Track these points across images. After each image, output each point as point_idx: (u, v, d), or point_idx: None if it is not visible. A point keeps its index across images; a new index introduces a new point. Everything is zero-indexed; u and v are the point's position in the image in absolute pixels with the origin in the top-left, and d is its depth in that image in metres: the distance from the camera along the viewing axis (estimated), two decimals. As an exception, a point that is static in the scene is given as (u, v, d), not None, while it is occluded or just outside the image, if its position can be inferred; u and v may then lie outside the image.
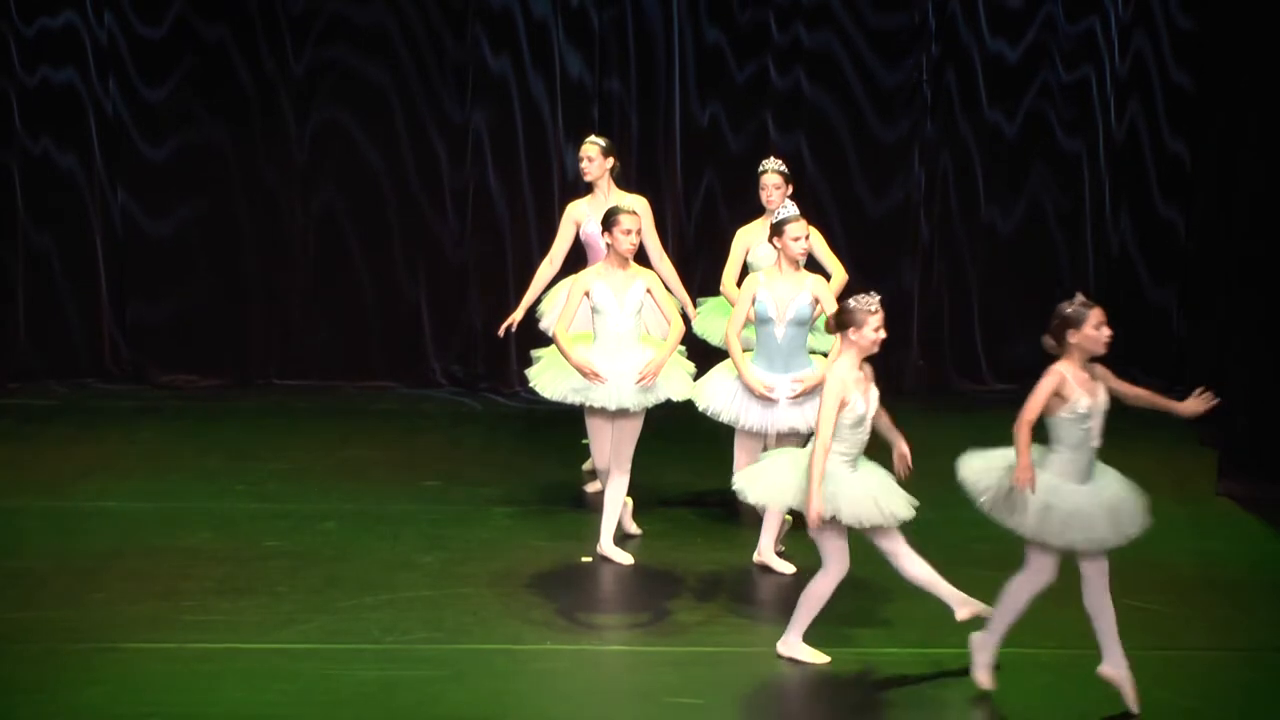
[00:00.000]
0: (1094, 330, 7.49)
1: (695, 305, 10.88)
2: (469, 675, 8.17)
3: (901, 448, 8.37)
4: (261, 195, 13.91)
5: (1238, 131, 12.48)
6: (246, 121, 13.87)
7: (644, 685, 8.25)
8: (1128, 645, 8.14)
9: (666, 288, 10.48)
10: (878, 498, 8.13)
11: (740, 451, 9.73)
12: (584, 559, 9.82)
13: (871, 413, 8.12)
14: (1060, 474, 7.61)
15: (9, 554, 9.73)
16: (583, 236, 10.69)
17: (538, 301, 10.89)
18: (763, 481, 8.29)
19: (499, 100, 13.97)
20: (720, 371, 9.76)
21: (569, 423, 11.30)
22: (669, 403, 9.64)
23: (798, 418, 9.49)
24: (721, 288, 10.61)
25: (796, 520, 9.54)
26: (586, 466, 11.29)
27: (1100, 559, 7.69)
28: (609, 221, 9.50)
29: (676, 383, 9.61)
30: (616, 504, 9.78)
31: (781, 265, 9.59)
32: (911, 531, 10.44)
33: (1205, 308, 13.48)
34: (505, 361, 13.83)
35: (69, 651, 8.29)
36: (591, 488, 10.99)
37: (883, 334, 8.04)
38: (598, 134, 11.25)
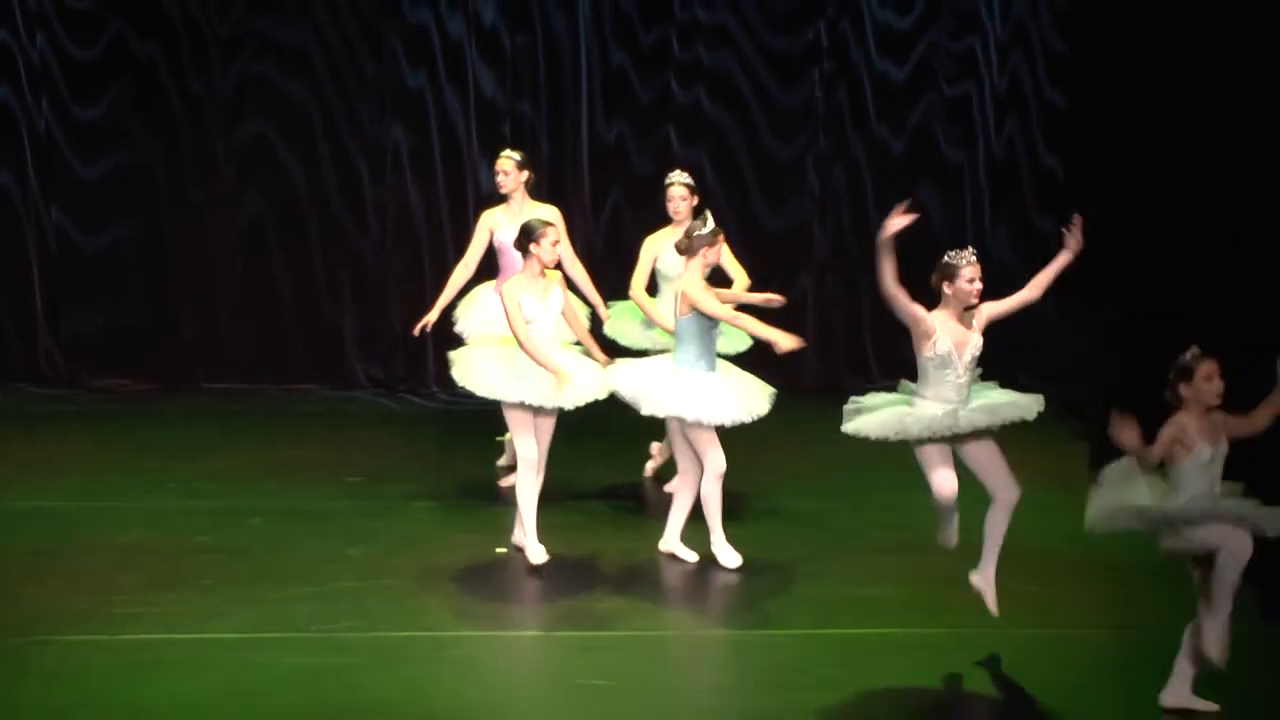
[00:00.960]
0: (1205, 383, 7.28)
1: (606, 308, 10.80)
2: (392, 662, 8.09)
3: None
4: (190, 210, 13.78)
5: (1108, 147, 12.60)
6: (175, 139, 13.73)
7: (556, 669, 8.23)
8: (1014, 625, 8.18)
9: (579, 292, 10.44)
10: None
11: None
12: (499, 550, 9.78)
13: (963, 361, 8.09)
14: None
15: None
16: (496, 244, 10.58)
17: (453, 304, 10.78)
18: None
19: (416, 117, 13.89)
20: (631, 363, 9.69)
21: (484, 421, 11.18)
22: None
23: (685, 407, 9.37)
24: (630, 293, 10.53)
25: (695, 510, 9.48)
26: (501, 462, 11.21)
27: None
28: (533, 236, 9.31)
29: (598, 380, 9.47)
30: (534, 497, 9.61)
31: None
32: (813, 519, 10.51)
33: (1080, 312, 13.53)
34: (423, 365, 13.77)
35: (6, 646, 8.15)
36: (506, 482, 10.89)
37: (978, 284, 8.11)
38: (512, 148, 11.15)
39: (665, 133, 14.06)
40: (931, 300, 8.18)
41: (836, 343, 14.41)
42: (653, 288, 10.61)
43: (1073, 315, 13.16)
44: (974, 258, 8.12)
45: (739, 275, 10.41)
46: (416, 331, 10.74)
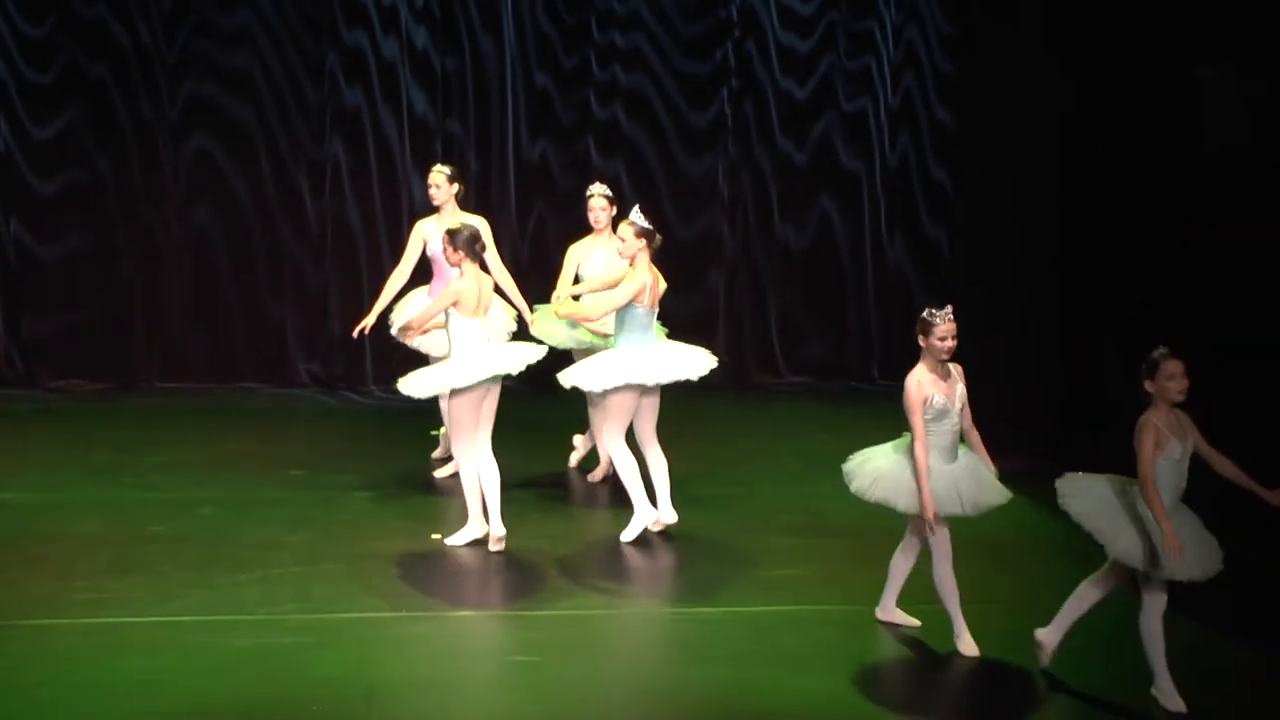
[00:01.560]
0: (1167, 381, 7.32)
1: (531, 311, 10.91)
2: (335, 642, 8.14)
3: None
4: (140, 223, 13.69)
5: (992, 160, 12.76)
6: (126, 156, 13.63)
7: (487, 646, 8.31)
8: (907, 601, 8.33)
9: (506, 297, 10.58)
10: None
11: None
12: (434, 536, 9.78)
13: (956, 408, 8.00)
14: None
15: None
16: (429, 252, 10.68)
17: (389, 308, 10.88)
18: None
19: (354, 134, 13.87)
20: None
21: (418, 415, 11.27)
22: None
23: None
24: (554, 296, 10.62)
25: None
26: (436, 454, 11.28)
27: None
28: (472, 244, 9.45)
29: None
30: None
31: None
32: (724, 505, 10.60)
33: (967, 310, 13.67)
34: (361, 364, 13.78)
35: (51, 630, 8.20)
36: (440, 473, 10.97)
37: (949, 342, 7.92)
38: (443, 162, 11.26)
39: (585, 148, 14.12)
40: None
41: (746, 341, 14.54)
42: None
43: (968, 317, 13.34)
44: (949, 317, 7.97)
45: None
46: (355, 334, 10.83)
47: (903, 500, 7.94)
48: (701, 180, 14.40)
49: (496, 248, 10.74)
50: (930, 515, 7.82)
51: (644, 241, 9.57)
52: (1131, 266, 10.90)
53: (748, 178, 14.43)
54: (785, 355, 14.54)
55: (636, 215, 9.61)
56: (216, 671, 7.75)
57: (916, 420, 7.84)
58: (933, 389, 7.88)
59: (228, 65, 13.68)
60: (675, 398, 10.81)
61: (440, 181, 10.71)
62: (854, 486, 8.11)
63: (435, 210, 10.79)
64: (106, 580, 8.94)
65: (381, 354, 11.54)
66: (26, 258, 13.63)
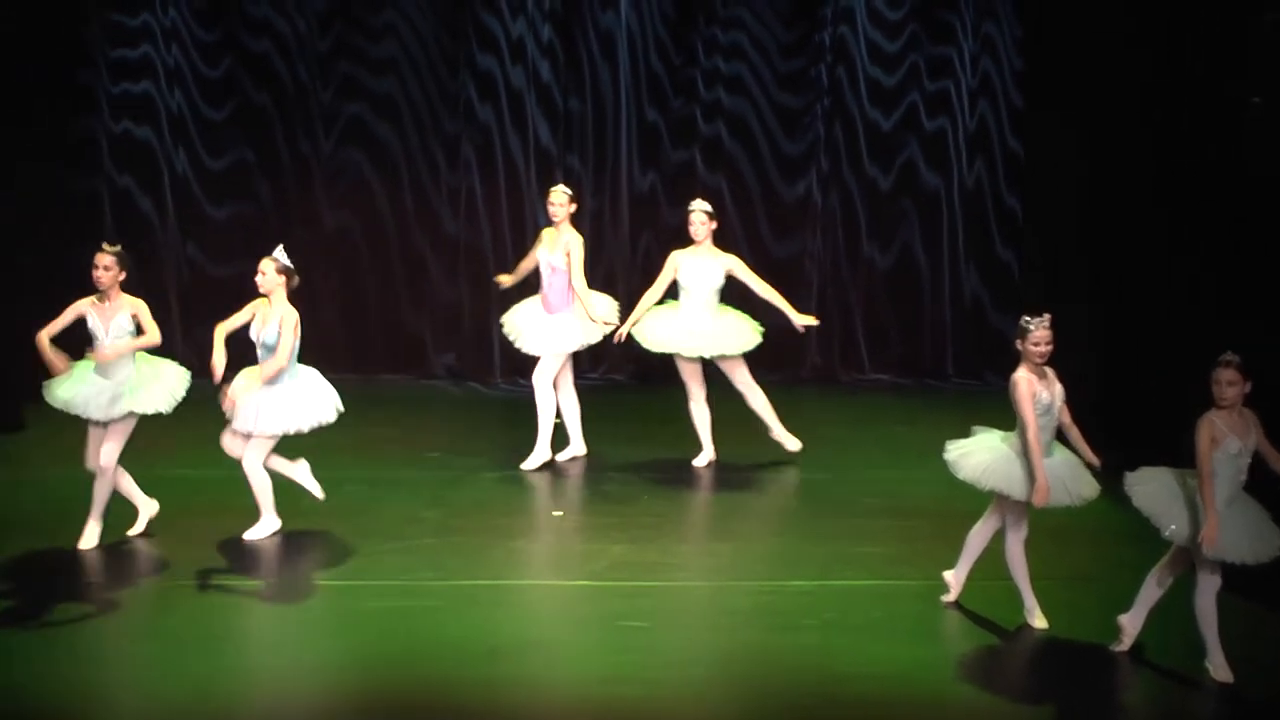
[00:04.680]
0: (1223, 387, 7.17)
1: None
2: (464, 606, 8.11)
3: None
4: (298, 245, 13.51)
5: (1059, 190, 12.62)
6: (284, 186, 13.61)
7: (600, 613, 8.16)
8: (981, 577, 8.13)
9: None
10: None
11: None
12: (555, 513, 9.72)
13: (1057, 405, 7.77)
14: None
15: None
16: (547, 263, 10.72)
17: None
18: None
19: (485, 160, 13.75)
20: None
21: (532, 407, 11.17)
22: None
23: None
24: (646, 295, 10.70)
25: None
26: (561, 455, 11.11)
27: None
28: None
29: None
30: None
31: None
32: (811, 489, 10.47)
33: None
34: (490, 359, 13.70)
35: (146, 588, 8.31)
36: (561, 456, 10.86)
37: (1043, 347, 7.67)
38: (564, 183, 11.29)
39: (690, 180, 13.73)
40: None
41: (835, 344, 14.31)
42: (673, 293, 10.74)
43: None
44: (1045, 324, 7.69)
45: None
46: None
47: (1018, 489, 7.69)
48: (795, 202, 14.19)
49: (589, 269, 10.81)
50: (1043, 500, 7.58)
51: (283, 278, 8.99)
52: (1183, 283, 10.67)
53: (837, 201, 14.21)
54: (870, 355, 14.34)
55: (280, 253, 9.03)
56: (359, 630, 7.74)
57: (1027, 411, 7.60)
58: (1038, 386, 7.67)
59: (374, 90, 13.63)
60: (769, 394, 10.76)
61: (563, 200, 10.67)
62: (962, 475, 7.87)
63: (551, 225, 10.78)
64: (268, 548, 8.96)
65: (507, 350, 11.47)
66: (200, 276, 13.65)
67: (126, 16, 13.33)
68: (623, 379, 13.85)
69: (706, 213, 10.63)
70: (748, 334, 10.62)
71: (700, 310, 10.53)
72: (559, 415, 10.84)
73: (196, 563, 8.66)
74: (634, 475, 10.66)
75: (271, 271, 8.90)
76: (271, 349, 8.87)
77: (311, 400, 9.01)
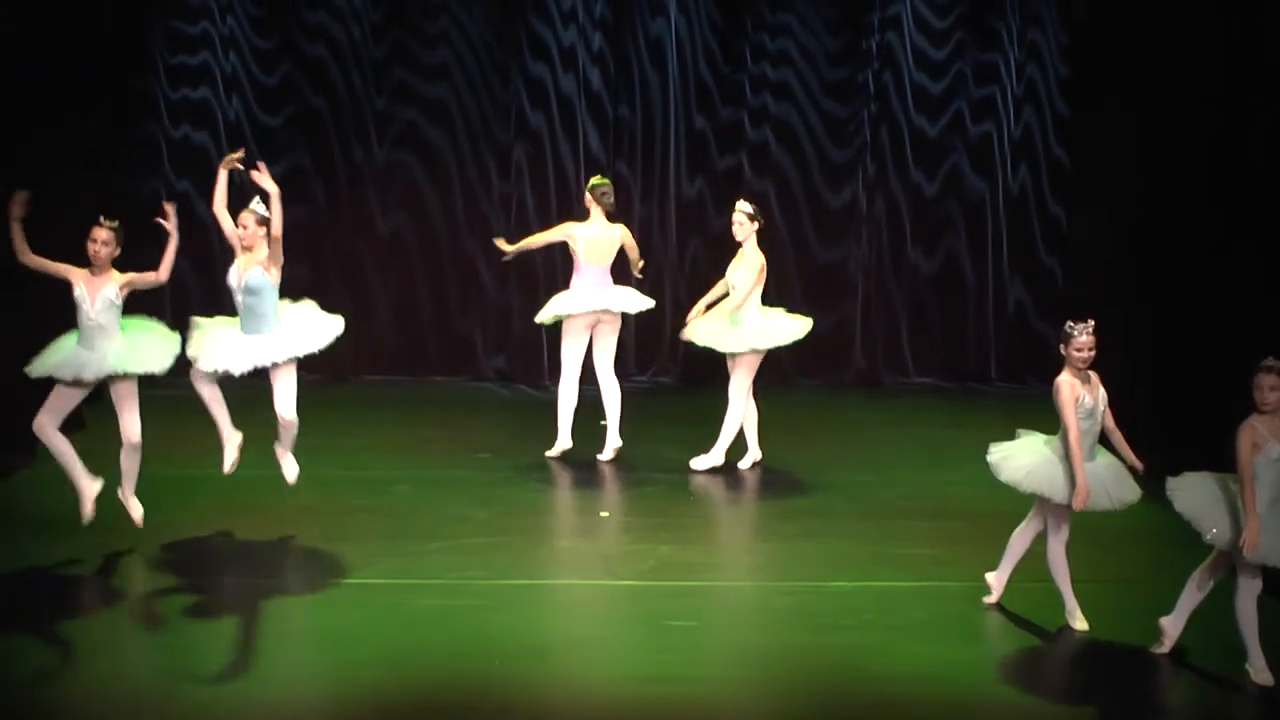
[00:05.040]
0: (1266, 393, 7.11)
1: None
2: (512, 604, 8.08)
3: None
4: (350, 251, 13.78)
5: (1105, 199, 12.55)
6: (338, 191, 13.73)
7: (646, 612, 8.12)
8: (1023, 579, 8.06)
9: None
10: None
11: None
12: (602, 514, 9.71)
13: (1100, 409, 7.71)
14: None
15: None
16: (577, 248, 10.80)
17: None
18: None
19: (536, 169, 13.83)
20: None
21: (585, 409, 11.16)
22: None
23: None
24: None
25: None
26: (601, 456, 11.10)
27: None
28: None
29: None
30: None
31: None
32: (854, 489, 10.44)
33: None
34: (539, 362, 13.79)
35: (215, 586, 8.32)
36: (602, 456, 10.89)
37: (1086, 352, 7.61)
38: (600, 176, 11.19)
39: (737, 183, 13.76)
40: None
41: (879, 347, 14.29)
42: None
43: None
44: (1089, 330, 7.63)
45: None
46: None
47: (1059, 492, 7.64)
48: (841, 208, 14.17)
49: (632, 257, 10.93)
50: (1082, 503, 7.53)
51: (264, 229, 8.98)
52: (1227, 289, 10.58)
53: (882, 206, 14.17)
54: (914, 359, 14.29)
55: (257, 204, 9.03)
56: (407, 628, 7.73)
57: (1069, 414, 7.55)
58: (1081, 390, 7.61)
59: (427, 97, 13.72)
60: (814, 396, 10.73)
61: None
62: (1004, 478, 7.82)
63: (585, 215, 10.77)
64: (318, 546, 9.00)
65: (556, 354, 11.49)
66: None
67: (186, 24, 13.48)
68: (670, 381, 13.86)
69: (745, 213, 10.51)
70: (749, 334, 10.46)
71: (746, 308, 10.49)
72: (603, 413, 10.83)
73: (242, 562, 8.73)
74: (680, 477, 10.64)
75: (253, 224, 8.97)
76: (254, 292, 8.91)
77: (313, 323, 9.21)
